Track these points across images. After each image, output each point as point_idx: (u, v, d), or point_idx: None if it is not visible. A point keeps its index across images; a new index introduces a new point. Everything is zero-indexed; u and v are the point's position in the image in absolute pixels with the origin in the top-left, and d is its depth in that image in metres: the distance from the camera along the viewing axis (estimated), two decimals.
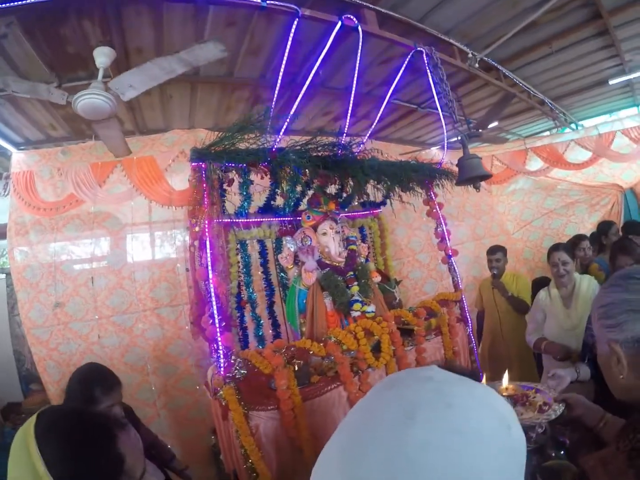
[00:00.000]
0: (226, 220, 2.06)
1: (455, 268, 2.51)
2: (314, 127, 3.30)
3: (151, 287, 3.00)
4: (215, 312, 1.43)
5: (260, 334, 2.20)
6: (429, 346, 2.08)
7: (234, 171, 1.56)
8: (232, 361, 1.45)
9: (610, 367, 0.68)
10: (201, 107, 2.93)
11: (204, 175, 1.49)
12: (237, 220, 2.10)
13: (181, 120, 3.10)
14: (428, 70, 2.26)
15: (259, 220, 2.20)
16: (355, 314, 1.99)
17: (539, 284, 2.74)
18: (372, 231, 2.80)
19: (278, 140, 1.65)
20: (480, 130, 3.19)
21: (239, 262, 2.18)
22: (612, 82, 3.67)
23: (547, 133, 5.07)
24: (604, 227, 3.37)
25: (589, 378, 1.46)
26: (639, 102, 4.58)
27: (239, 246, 2.19)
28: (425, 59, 2.24)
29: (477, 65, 2.75)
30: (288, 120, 1.76)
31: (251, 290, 2.20)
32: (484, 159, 4.73)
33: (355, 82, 2.08)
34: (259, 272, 2.31)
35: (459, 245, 4.09)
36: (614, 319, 0.67)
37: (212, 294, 1.45)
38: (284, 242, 2.12)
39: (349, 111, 2.18)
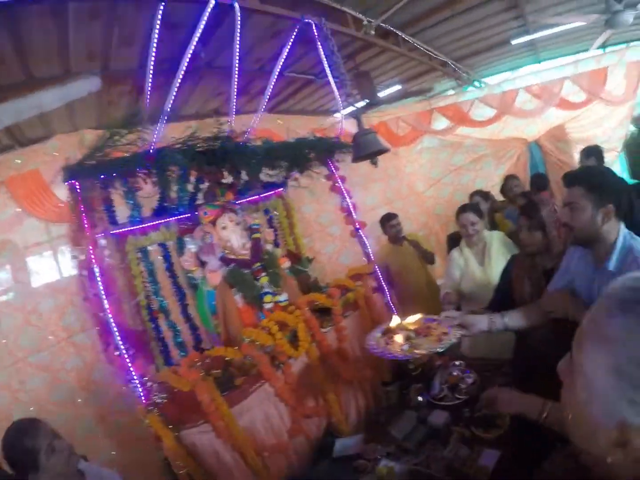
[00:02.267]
0: (119, 230, 2.06)
1: (365, 240, 2.76)
2: (209, 109, 3.32)
3: (59, 316, 3.05)
4: (119, 342, 1.51)
5: (179, 340, 2.28)
6: (349, 322, 2.31)
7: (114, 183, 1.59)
8: (149, 387, 1.57)
9: (596, 438, 0.53)
10: (80, 106, 2.83)
11: (79, 196, 1.50)
12: (131, 229, 2.10)
13: (62, 123, 2.99)
14: (318, 43, 2.42)
15: (155, 223, 2.21)
16: (268, 306, 2.17)
17: (454, 239, 3.20)
18: (277, 212, 2.98)
19: (155, 140, 1.69)
20: (376, 98, 3.50)
21: (142, 272, 2.19)
22: (514, 41, 4.28)
23: (452, 92, 5.70)
24: (507, 181, 4.10)
25: (502, 329, 1.69)
26: (540, 58, 5.43)
27: (139, 255, 2.20)
28: (314, 30, 2.38)
29: (373, 32, 3.00)
30: (168, 111, 1.79)
31: (161, 298, 2.25)
32: (389, 122, 5.23)
33: (237, 60, 2.16)
34: (167, 278, 2.36)
35: (370, 211, 4.55)
36: None
37: (113, 325, 1.51)
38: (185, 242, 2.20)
39: (234, 91, 2.26)
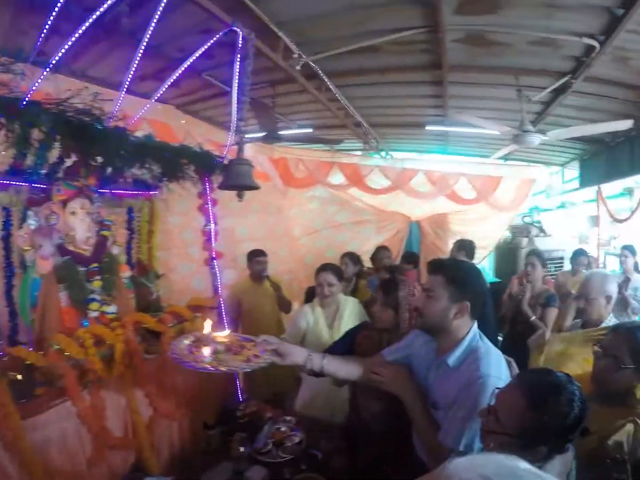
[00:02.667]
0: None
1: (217, 272, 2.85)
2: (114, 81, 3.17)
3: None
4: None
5: None
6: None
7: None
8: None
9: None
10: None
11: None
12: None
13: None
14: (237, 55, 2.52)
15: (5, 182, 2.03)
16: (93, 314, 2.11)
17: (311, 293, 3.44)
18: (141, 215, 2.91)
19: (32, 88, 1.61)
20: (281, 133, 3.75)
21: None
22: (429, 127, 4.94)
23: (358, 153, 6.38)
24: (379, 251, 4.65)
25: (318, 369, 1.78)
26: (447, 151, 6.40)
27: None
28: (239, 41, 2.48)
29: (298, 67, 3.22)
30: (57, 60, 1.72)
31: None
32: (291, 161, 5.60)
33: (147, 35, 2.18)
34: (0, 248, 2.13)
35: (239, 243, 4.67)
36: None
37: None
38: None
39: (133, 66, 2.22)
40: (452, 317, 1.56)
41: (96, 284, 2.16)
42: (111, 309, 2.19)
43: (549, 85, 3.59)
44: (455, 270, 1.65)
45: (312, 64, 3.38)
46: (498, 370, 1.51)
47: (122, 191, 2.69)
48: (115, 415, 1.94)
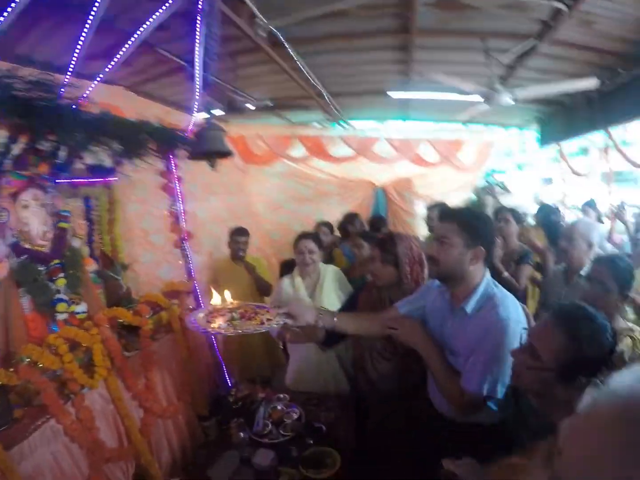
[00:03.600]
0: None
1: (189, 254, 2.69)
2: (56, 63, 2.76)
3: None
4: None
5: None
6: (160, 346, 2.17)
7: None
8: None
9: None
10: None
11: None
12: None
13: None
14: (199, 16, 2.26)
15: None
16: (61, 316, 1.89)
17: (288, 265, 3.32)
18: (99, 204, 2.63)
19: None
20: (249, 106, 3.47)
21: None
22: (391, 94, 4.80)
23: (317, 125, 6.20)
24: (350, 217, 4.52)
25: (330, 327, 1.78)
26: (407, 117, 6.30)
27: None
28: (201, 3, 2.22)
29: (264, 35, 3.00)
30: None
31: None
32: (248, 138, 5.33)
33: (95, 6, 1.90)
34: None
35: (201, 225, 4.42)
36: None
37: None
38: None
39: (80, 39, 1.96)
40: (467, 264, 1.56)
41: (60, 282, 1.93)
42: (81, 307, 1.97)
43: (515, 47, 3.57)
44: (468, 216, 1.62)
45: (275, 31, 3.16)
46: (516, 313, 1.53)
47: (77, 179, 2.40)
48: (106, 424, 1.77)
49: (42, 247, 1.92)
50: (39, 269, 1.87)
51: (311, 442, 1.96)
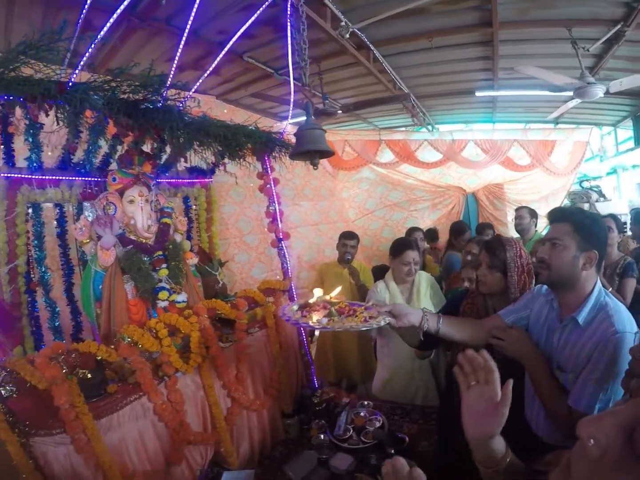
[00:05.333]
0: (14, 174, 1.80)
1: (286, 253, 2.66)
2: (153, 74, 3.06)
3: None
4: None
5: (56, 324, 1.99)
6: (253, 341, 2.18)
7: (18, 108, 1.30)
8: None
9: None
10: (20, 24, 2.43)
11: None
12: (27, 176, 1.83)
13: None
14: (288, 22, 2.32)
15: (57, 178, 1.94)
16: (162, 304, 1.96)
17: (381, 271, 3.24)
18: (197, 203, 2.79)
19: (77, 71, 1.45)
20: (338, 109, 3.47)
21: (28, 231, 1.91)
22: (479, 93, 4.52)
23: (403, 129, 6.01)
24: (460, 226, 4.25)
25: (433, 331, 1.64)
26: (495, 119, 5.95)
27: (30, 211, 1.93)
28: (289, 8, 2.28)
29: (347, 36, 2.96)
30: (92, 48, 1.54)
31: (44, 269, 1.97)
32: (336, 144, 5.36)
33: (191, 19, 1.99)
34: (57, 246, 2.10)
35: (293, 229, 4.50)
36: None
37: None
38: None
39: (178, 53, 2.06)
40: (580, 268, 1.42)
41: (162, 272, 2.01)
42: (181, 297, 2.03)
43: (601, 35, 3.24)
44: (582, 217, 1.47)
45: (358, 32, 3.11)
46: (632, 325, 1.37)
47: (177, 179, 2.57)
48: (194, 408, 1.79)
49: (146, 239, 2.02)
50: (144, 258, 1.97)
51: (392, 451, 1.83)
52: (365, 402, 2.29)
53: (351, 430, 2.02)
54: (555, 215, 1.54)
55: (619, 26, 3.10)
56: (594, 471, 0.49)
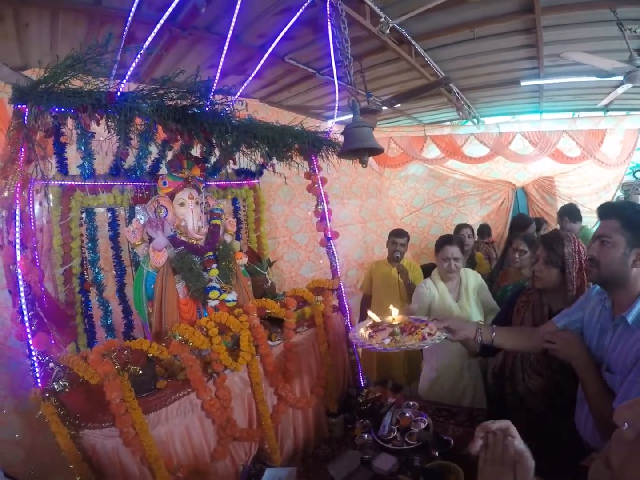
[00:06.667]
0: (66, 182, 1.90)
1: (334, 252, 2.63)
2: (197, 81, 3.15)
3: None
4: (24, 306, 1.30)
5: (109, 322, 2.09)
6: (301, 339, 2.18)
7: (70, 119, 1.37)
8: (51, 369, 1.35)
9: None
10: (64, 41, 2.57)
11: (25, 122, 1.28)
12: (80, 183, 1.93)
13: (41, 56, 2.70)
14: (328, 21, 2.28)
15: (109, 183, 2.04)
16: (212, 303, 1.99)
17: (431, 269, 3.06)
18: (246, 204, 2.82)
19: (124, 82, 1.50)
20: (382, 106, 3.38)
21: (82, 234, 2.02)
22: (524, 83, 4.28)
23: (448, 123, 5.78)
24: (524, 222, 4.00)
25: (488, 343, 1.72)
26: (541, 109, 5.59)
27: (83, 215, 2.04)
28: (328, 8, 2.25)
29: (388, 32, 2.88)
30: (137, 59, 1.58)
31: (97, 270, 2.07)
32: (380, 141, 5.24)
33: (232, 26, 2.01)
34: (109, 248, 2.20)
35: (341, 227, 4.47)
36: None
37: (20, 282, 1.30)
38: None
39: (221, 60, 2.09)
40: (630, 265, 1.36)
41: (213, 272, 2.04)
42: (231, 296, 2.05)
43: None
44: (632, 213, 1.40)
45: (398, 27, 3.01)
46: None
47: (225, 182, 2.61)
48: (241, 405, 1.81)
49: (197, 241, 2.05)
50: (194, 259, 2.00)
51: (436, 454, 1.77)
52: (411, 403, 2.22)
53: (395, 431, 1.97)
54: (604, 211, 1.47)
55: None
56: (631, 453, 0.51)
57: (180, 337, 1.64)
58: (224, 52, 2.04)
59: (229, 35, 2.02)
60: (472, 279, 2.64)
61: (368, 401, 2.25)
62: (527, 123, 5.43)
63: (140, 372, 1.49)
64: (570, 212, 3.81)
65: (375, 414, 2.14)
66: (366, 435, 1.95)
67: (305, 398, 2.09)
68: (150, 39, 1.60)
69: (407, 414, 2.09)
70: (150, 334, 1.92)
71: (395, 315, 1.78)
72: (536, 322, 1.87)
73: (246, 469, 1.73)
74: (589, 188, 5.35)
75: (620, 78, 3.34)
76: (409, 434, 1.93)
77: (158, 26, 1.69)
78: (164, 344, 1.58)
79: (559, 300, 1.82)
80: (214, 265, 2.06)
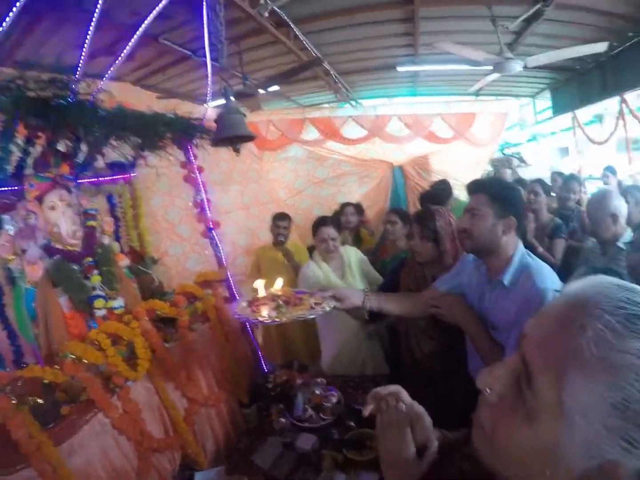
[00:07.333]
0: None
1: (218, 242, 2.64)
2: (63, 64, 2.76)
3: None
4: None
5: None
6: (198, 336, 2.16)
7: None
8: None
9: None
10: None
11: None
12: None
13: None
14: (204, 1, 2.22)
15: None
16: (100, 312, 1.88)
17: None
18: (122, 200, 2.65)
19: None
20: (258, 90, 3.41)
21: None
22: (400, 68, 4.67)
23: (327, 106, 6.04)
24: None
25: (376, 309, 1.81)
26: (417, 92, 6.12)
27: None
28: None
29: (266, 14, 2.91)
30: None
31: None
32: (259, 124, 5.27)
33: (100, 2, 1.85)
34: None
35: (224, 214, 4.40)
36: None
37: None
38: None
39: (87, 39, 1.92)
40: (500, 234, 1.54)
41: (95, 279, 1.91)
42: (117, 302, 1.95)
43: (521, 13, 3.47)
44: (497, 187, 1.62)
45: (278, 10, 3.08)
46: (553, 282, 1.48)
47: (98, 177, 2.39)
48: (152, 415, 1.76)
49: (73, 247, 1.90)
50: (73, 267, 1.86)
51: (352, 424, 1.93)
52: (319, 380, 2.36)
53: (310, 410, 2.08)
54: (473, 187, 1.67)
55: (538, 5, 3.31)
56: (496, 416, 0.57)
57: (72, 356, 1.54)
58: (91, 29, 1.86)
59: (97, 11, 1.85)
60: (353, 255, 2.82)
61: (277, 385, 2.35)
62: (403, 105, 5.94)
63: (40, 401, 1.36)
64: (442, 187, 4.17)
65: (286, 396, 2.23)
66: (283, 420, 2.03)
67: (214, 394, 2.10)
68: (11, 14, 1.41)
69: (318, 392, 2.21)
70: (41, 358, 1.75)
71: (278, 286, 1.85)
72: (419, 291, 2.08)
73: (176, 479, 1.72)
74: (459, 164, 6.01)
75: (491, 67, 3.83)
76: (323, 409, 2.07)
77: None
78: (57, 367, 1.47)
79: (438, 269, 2.05)
80: (95, 272, 1.93)
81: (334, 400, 2.15)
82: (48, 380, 1.40)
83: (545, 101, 6.93)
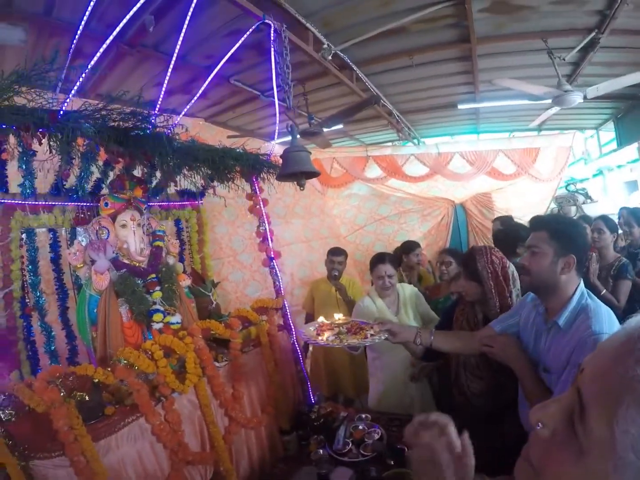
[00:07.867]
0: (6, 200, 1.83)
1: (277, 272, 2.69)
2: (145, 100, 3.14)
3: None
4: None
5: (52, 348, 1.98)
6: (248, 359, 2.20)
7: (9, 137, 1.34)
8: None
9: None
10: (12, 53, 2.53)
11: None
12: (20, 202, 1.85)
13: None
14: (272, 47, 2.40)
15: (50, 203, 1.97)
16: (157, 325, 1.97)
17: None
18: (189, 225, 2.82)
19: (68, 100, 1.50)
20: (322, 128, 3.56)
21: (22, 256, 1.92)
22: (461, 106, 4.68)
23: (390, 144, 6.15)
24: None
25: (427, 345, 1.85)
26: (479, 130, 6.09)
27: (24, 236, 1.94)
28: (272, 34, 2.36)
29: (330, 58, 3.07)
30: (83, 76, 1.60)
31: (39, 294, 1.96)
32: (323, 161, 5.46)
33: (178, 46, 2.07)
34: (51, 271, 2.11)
35: (285, 246, 4.54)
36: None
37: None
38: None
39: (166, 80, 2.13)
40: (559, 272, 1.49)
41: (156, 294, 2.02)
42: (175, 318, 2.04)
43: (577, 44, 3.40)
44: (558, 224, 1.57)
45: (341, 53, 3.24)
46: (611, 327, 1.39)
47: (168, 202, 2.60)
48: (191, 428, 1.79)
49: (140, 263, 2.04)
50: (137, 282, 1.99)
51: (392, 463, 1.84)
52: (363, 415, 2.30)
53: (350, 444, 2.02)
54: (534, 224, 1.67)
55: (593, 34, 3.25)
56: (547, 451, 0.55)
57: (125, 362, 1.62)
58: (169, 70, 2.08)
59: (175, 54, 2.07)
60: (408, 291, 2.81)
61: (320, 416, 2.30)
62: (465, 143, 5.90)
63: (87, 398, 1.45)
64: (506, 223, 4.06)
65: (328, 428, 2.19)
66: (321, 451, 1.99)
67: (257, 417, 2.10)
68: (97, 56, 1.62)
69: (360, 427, 2.15)
70: (95, 359, 1.87)
71: (338, 316, 1.99)
72: (472, 329, 2.04)
73: None
74: (522, 201, 5.83)
75: (550, 101, 3.74)
76: (364, 445, 2.00)
77: (107, 42, 1.71)
78: (109, 369, 1.56)
79: (487, 308, 2.00)
80: (157, 288, 2.04)
81: (376, 436, 2.07)
82: (98, 380, 1.48)
83: (609, 133, 6.53)
